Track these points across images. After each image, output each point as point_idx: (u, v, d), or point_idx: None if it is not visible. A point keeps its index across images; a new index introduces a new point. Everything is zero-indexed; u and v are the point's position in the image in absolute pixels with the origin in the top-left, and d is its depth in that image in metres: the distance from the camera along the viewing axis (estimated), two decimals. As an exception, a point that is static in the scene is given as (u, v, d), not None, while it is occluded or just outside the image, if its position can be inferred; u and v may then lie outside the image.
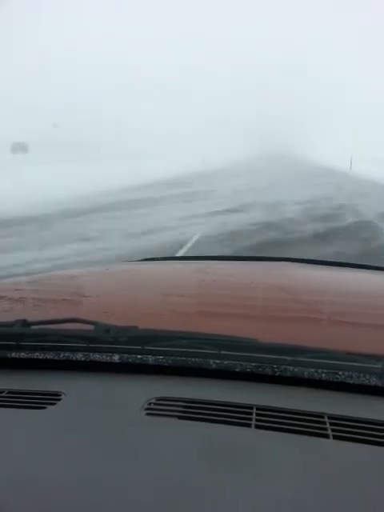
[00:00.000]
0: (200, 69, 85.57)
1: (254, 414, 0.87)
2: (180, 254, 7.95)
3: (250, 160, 48.14)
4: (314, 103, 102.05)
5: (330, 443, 0.80)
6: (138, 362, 1.02)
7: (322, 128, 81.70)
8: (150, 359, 1.01)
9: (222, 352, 0.99)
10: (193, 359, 1.00)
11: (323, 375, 0.94)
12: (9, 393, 0.97)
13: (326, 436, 0.81)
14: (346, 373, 0.93)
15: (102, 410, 0.90)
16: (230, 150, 52.33)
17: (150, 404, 0.91)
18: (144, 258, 2.61)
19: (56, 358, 1.05)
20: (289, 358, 0.96)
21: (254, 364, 0.97)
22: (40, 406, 0.91)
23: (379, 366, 0.94)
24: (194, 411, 0.88)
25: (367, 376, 0.93)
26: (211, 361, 0.99)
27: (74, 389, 0.98)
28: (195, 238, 9.29)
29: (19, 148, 38.54)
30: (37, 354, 1.06)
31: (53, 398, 0.94)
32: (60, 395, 0.95)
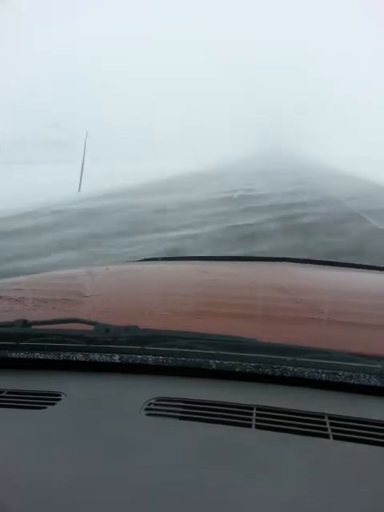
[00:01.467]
0: (199, 68, 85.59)
1: (255, 415, 0.87)
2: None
3: (245, 162, 35.49)
4: (320, 100, 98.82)
5: (330, 443, 0.80)
6: (138, 362, 1.02)
7: (333, 127, 76.39)
8: (150, 359, 1.01)
9: (222, 352, 0.99)
10: (193, 359, 1.00)
11: (323, 375, 0.94)
12: (9, 393, 0.97)
13: (327, 436, 0.81)
14: (346, 373, 0.93)
15: (102, 410, 0.90)
16: (217, 150, 48.02)
17: (150, 404, 0.91)
18: (144, 258, 2.61)
19: (56, 358, 1.05)
20: (289, 358, 0.96)
21: (253, 364, 0.97)
22: (40, 406, 0.91)
23: (379, 365, 0.94)
24: (194, 411, 0.88)
25: (367, 376, 0.93)
26: (211, 361, 0.99)
27: (74, 389, 0.98)
28: None
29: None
30: (37, 354, 1.06)
31: (53, 398, 0.94)
32: (60, 395, 0.95)
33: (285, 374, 0.96)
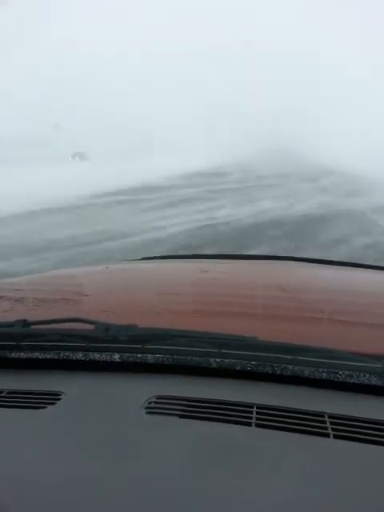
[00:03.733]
0: (198, 66, 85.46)
1: (255, 413, 0.87)
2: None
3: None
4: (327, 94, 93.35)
5: (330, 442, 0.80)
6: (138, 360, 1.02)
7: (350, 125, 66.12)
8: (150, 358, 1.01)
9: (222, 351, 0.99)
10: (193, 358, 1.00)
11: (323, 374, 0.94)
12: (9, 393, 0.97)
13: (327, 435, 0.81)
14: (347, 372, 0.93)
15: (102, 410, 0.90)
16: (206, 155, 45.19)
17: (150, 403, 0.91)
18: (144, 257, 2.61)
19: (56, 357, 1.05)
20: (289, 357, 0.96)
21: (254, 363, 0.97)
22: (40, 406, 0.91)
23: (379, 365, 0.94)
24: (194, 410, 0.88)
25: (367, 375, 0.93)
26: (211, 359, 0.99)
27: (74, 388, 0.98)
28: None
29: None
30: (37, 353, 1.06)
31: (53, 397, 0.94)
32: (60, 395, 0.95)
33: (285, 373, 0.96)
